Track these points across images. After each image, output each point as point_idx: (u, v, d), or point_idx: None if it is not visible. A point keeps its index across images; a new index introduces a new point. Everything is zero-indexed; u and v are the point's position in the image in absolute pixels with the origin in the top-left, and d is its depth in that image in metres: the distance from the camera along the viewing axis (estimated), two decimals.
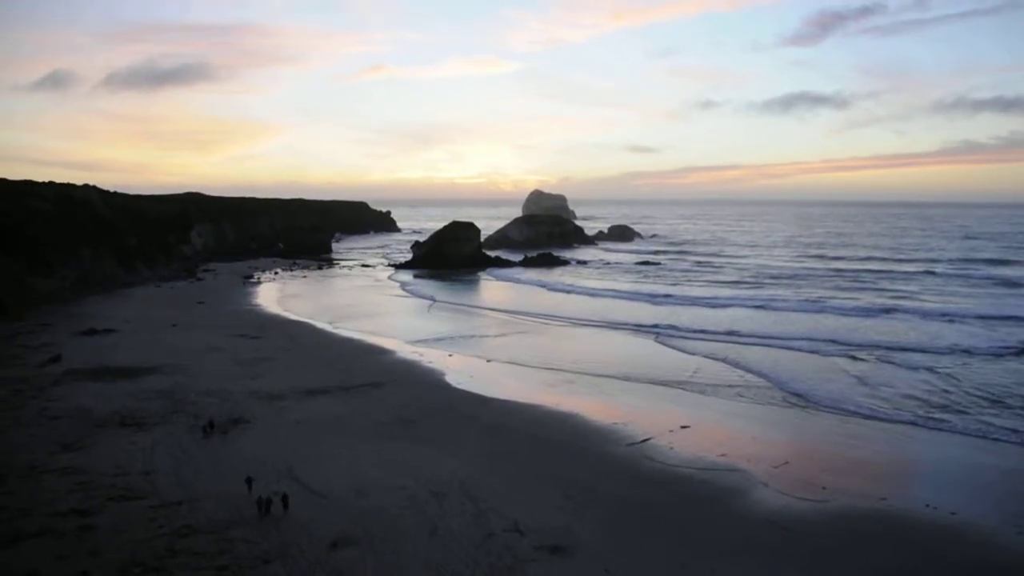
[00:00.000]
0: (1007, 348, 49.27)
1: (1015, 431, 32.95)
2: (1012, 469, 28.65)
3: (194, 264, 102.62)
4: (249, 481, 24.40)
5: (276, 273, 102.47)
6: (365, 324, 61.08)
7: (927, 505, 24.80)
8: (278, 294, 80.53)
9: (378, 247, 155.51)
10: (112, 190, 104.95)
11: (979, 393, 39.09)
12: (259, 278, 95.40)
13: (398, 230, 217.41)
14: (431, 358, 47.33)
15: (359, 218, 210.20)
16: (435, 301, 76.64)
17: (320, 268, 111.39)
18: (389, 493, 24.77)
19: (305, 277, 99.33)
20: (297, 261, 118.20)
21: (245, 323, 59.70)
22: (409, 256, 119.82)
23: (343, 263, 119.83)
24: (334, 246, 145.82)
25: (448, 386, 40.70)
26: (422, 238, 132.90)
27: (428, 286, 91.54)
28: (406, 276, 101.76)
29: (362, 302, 75.25)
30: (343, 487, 25.25)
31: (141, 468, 26.88)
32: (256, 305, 71.47)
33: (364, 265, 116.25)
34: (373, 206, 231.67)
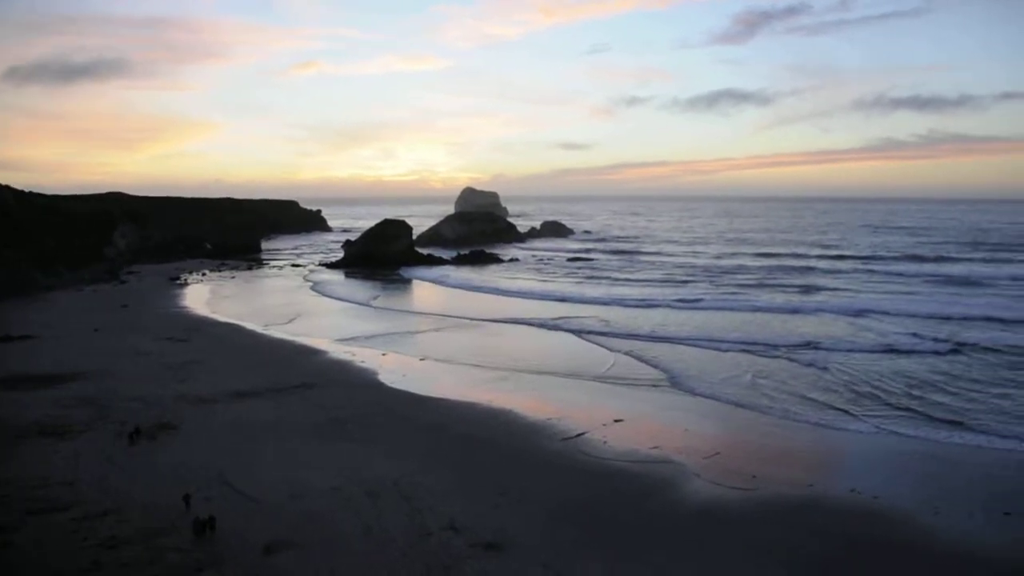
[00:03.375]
0: (934, 345, 50.22)
1: (930, 418, 34.24)
2: (928, 454, 29.73)
3: (118, 266, 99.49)
4: (187, 498, 23.41)
5: (204, 274, 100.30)
6: (296, 325, 60.29)
7: (852, 490, 25.62)
8: (206, 296, 78.81)
9: (309, 246, 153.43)
10: (28, 190, 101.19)
11: (896, 389, 40.23)
12: (186, 280, 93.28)
13: (329, 229, 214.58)
14: (364, 357, 46.95)
15: (289, 217, 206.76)
16: (367, 300, 76.03)
17: (250, 268, 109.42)
18: (323, 495, 24.51)
19: (234, 278, 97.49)
20: (226, 262, 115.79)
21: (172, 326, 58.32)
22: (340, 255, 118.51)
23: (273, 263, 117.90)
24: (264, 246, 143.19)
25: (382, 385, 40.43)
26: (353, 237, 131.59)
27: (360, 285, 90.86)
28: (337, 275, 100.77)
29: (293, 302, 74.16)
30: (276, 490, 24.87)
31: (63, 479, 25.92)
32: (183, 307, 69.86)
33: (295, 265, 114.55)
34: (304, 205, 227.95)
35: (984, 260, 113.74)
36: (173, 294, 79.66)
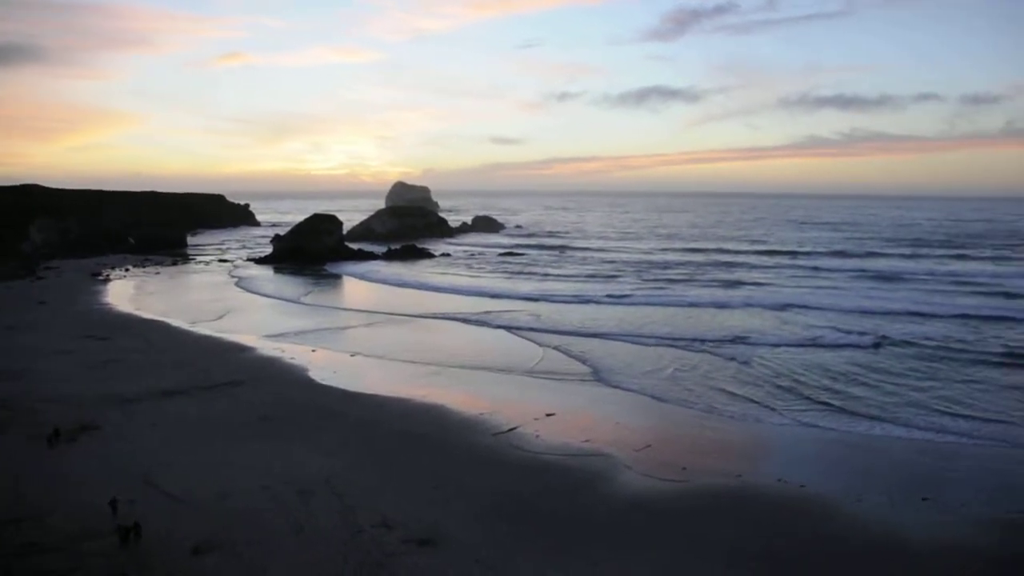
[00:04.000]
0: (855, 339, 51.35)
1: (849, 411, 35.24)
2: (850, 445, 30.72)
3: (34, 262, 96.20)
4: (113, 503, 22.61)
5: (127, 270, 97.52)
6: (224, 321, 59.10)
7: (779, 480, 26.27)
8: (130, 292, 76.60)
9: (236, 241, 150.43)
10: None
11: (817, 382, 41.34)
12: (108, 276, 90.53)
13: (257, 224, 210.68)
14: (294, 354, 46.25)
15: (216, 211, 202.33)
16: (297, 296, 74.93)
17: (175, 264, 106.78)
18: (253, 494, 24.09)
19: (159, 274, 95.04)
20: (150, 257, 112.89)
21: (93, 323, 56.60)
22: (269, 250, 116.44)
23: (200, 258, 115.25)
24: (190, 241, 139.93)
25: (312, 382, 39.90)
26: (282, 231, 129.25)
27: (289, 280, 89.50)
28: (266, 271, 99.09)
29: (221, 298, 72.60)
30: (204, 491, 24.35)
31: None
32: (106, 304, 67.79)
33: (222, 260, 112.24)
34: (231, 199, 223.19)
35: (904, 256, 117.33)
36: (94, 290, 77.22)
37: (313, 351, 47.46)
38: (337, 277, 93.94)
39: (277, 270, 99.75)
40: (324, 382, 39.70)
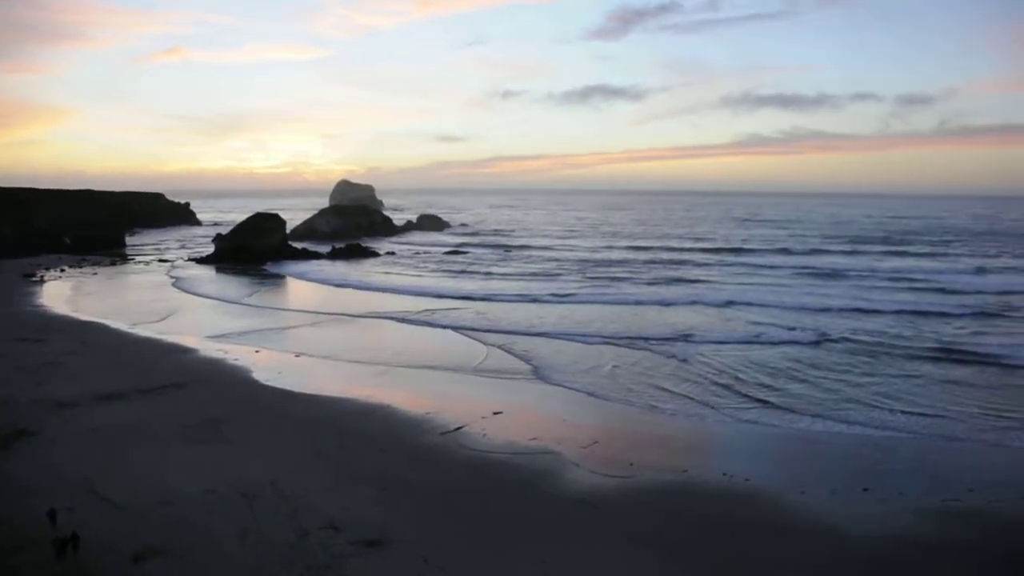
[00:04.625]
0: (797, 335, 52.20)
1: (792, 410, 35.85)
2: (793, 439, 31.40)
3: None
4: (52, 514, 21.73)
5: (63, 271, 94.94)
6: (165, 322, 57.90)
7: (724, 474, 26.71)
8: (66, 293, 74.52)
9: (177, 241, 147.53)
10: None
11: (756, 379, 42.07)
12: (43, 276, 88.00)
13: (198, 223, 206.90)
14: (237, 355, 45.54)
15: (156, 210, 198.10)
16: (239, 296, 73.74)
17: (113, 264, 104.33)
18: (196, 499, 23.66)
19: (96, 274, 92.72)
20: (87, 257, 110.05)
21: (27, 325, 54.98)
22: (211, 249, 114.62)
23: (139, 258, 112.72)
24: (129, 241, 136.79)
25: (256, 383, 39.33)
26: (224, 231, 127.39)
27: (232, 280, 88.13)
28: (208, 271, 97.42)
29: (161, 299, 71.12)
30: (146, 496, 23.84)
31: None
32: (40, 306, 65.91)
33: (162, 260, 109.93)
34: (171, 197, 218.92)
35: (844, 252, 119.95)
36: (28, 292, 75.02)
37: (257, 352, 46.80)
38: (281, 277, 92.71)
39: (219, 270, 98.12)
40: (268, 383, 39.16)
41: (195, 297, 73.42)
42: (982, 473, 27.09)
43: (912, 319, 58.64)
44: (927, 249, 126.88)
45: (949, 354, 45.81)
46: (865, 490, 25.31)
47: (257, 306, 67.58)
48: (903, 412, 34.30)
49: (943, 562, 20.42)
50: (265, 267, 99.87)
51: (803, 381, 40.15)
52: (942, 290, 75.68)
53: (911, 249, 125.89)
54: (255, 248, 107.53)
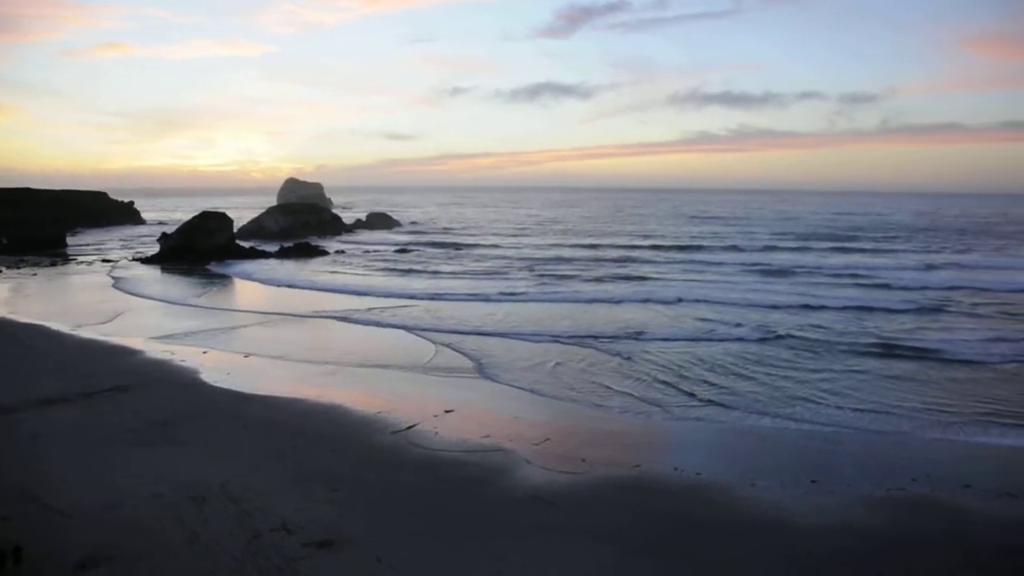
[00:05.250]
0: (745, 332, 52.60)
1: (738, 407, 36.49)
2: (744, 433, 31.93)
3: None
4: None
5: (0, 272, 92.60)
6: (109, 324, 56.55)
7: (675, 468, 27.03)
8: (3, 295, 72.39)
9: (121, 240, 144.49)
10: None
11: (702, 376, 42.69)
12: None
13: (143, 222, 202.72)
14: (184, 356, 44.75)
15: (98, 209, 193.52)
16: (186, 296, 72.50)
17: (54, 265, 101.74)
18: (144, 503, 23.20)
19: (36, 275, 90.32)
20: (25, 258, 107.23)
21: None
22: (156, 249, 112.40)
23: (81, 259, 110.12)
24: (70, 240, 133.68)
25: (204, 384, 38.70)
26: (169, 230, 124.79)
27: (178, 280, 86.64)
28: (153, 270, 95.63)
29: (105, 300, 69.55)
30: (91, 502, 23.30)
31: None
32: None
33: (105, 260, 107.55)
34: (114, 196, 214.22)
35: (791, 249, 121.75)
36: None
37: (205, 353, 46.06)
38: (228, 276, 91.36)
39: (165, 270, 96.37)
40: (217, 384, 38.58)
41: (140, 298, 71.94)
42: (925, 464, 27.84)
43: (857, 315, 59.77)
44: (872, 245, 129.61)
45: (892, 350, 46.71)
46: (813, 482, 25.87)
47: (204, 306, 66.47)
48: (850, 408, 34.89)
49: (887, 547, 20.99)
50: (212, 267, 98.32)
51: (750, 378, 40.59)
52: (887, 286, 77.28)
53: (856, 245, 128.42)
54: (201, 247, 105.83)
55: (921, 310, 62.16)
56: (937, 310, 62.34)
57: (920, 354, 45.51)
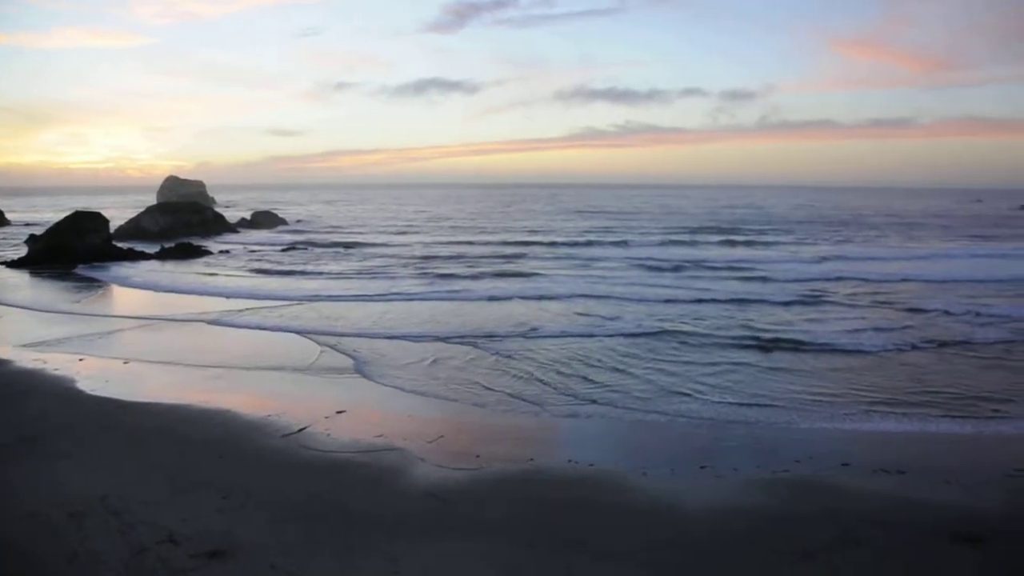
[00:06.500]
0: (632, 328, 53.00)
1: (627, 404, 37.38)
2: (634, 424, 32.71)
3: None
4: None
5: None
6: None
7: (569, 461, 27.46)
8: None
9: None
10: None
11: (582, 372, 43.72)
12: None
13: (7, 223, 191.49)
14: (58, 364, 42.55)
15: None
16: (59, 301, 69.00)
17: None
18: (17, 523, 21.92)
19: None
20: None
21: None
22: (24, 252, 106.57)
23: None
24: None
25: (81, 393, 36.88)
26: (39, 231, 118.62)
27: (49, 285, 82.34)
28: (21, 275, 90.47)
29: None
30: None
31: None
32: None
33: None
34: None
35: (679, 243, 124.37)
36: None
37: (81, 360, 43.92)
38: (105, 279, 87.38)
39: (34, 274, 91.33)
40: (95, 392, 36.83)
41: (5, 305, 67.97)
42: (807, 447, 29.13)
43: (741, 307, 61.51)
44: (755, 237, 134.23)
45: (775, 342, 48.03)
46: (702, 468, 26.73)
47: (79, 312, 63.37)
48: (734, 400, 35.87)
49: (773, 525, 21.85)
50: (87, 269, 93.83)
51: (637, 374, 41.06)
52: (769, 278, 79.83)
53: (740, 238, 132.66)
54: (75, 249, 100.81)
55: (802, 302, 64.41)
56: (817, 301, 64.75)
57: (800, 346, 47.08)
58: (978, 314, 57.07)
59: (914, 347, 46.68)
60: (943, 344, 47.41)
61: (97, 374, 40.61)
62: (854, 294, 69.28)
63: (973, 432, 31.40)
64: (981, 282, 75.81)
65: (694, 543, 20.96)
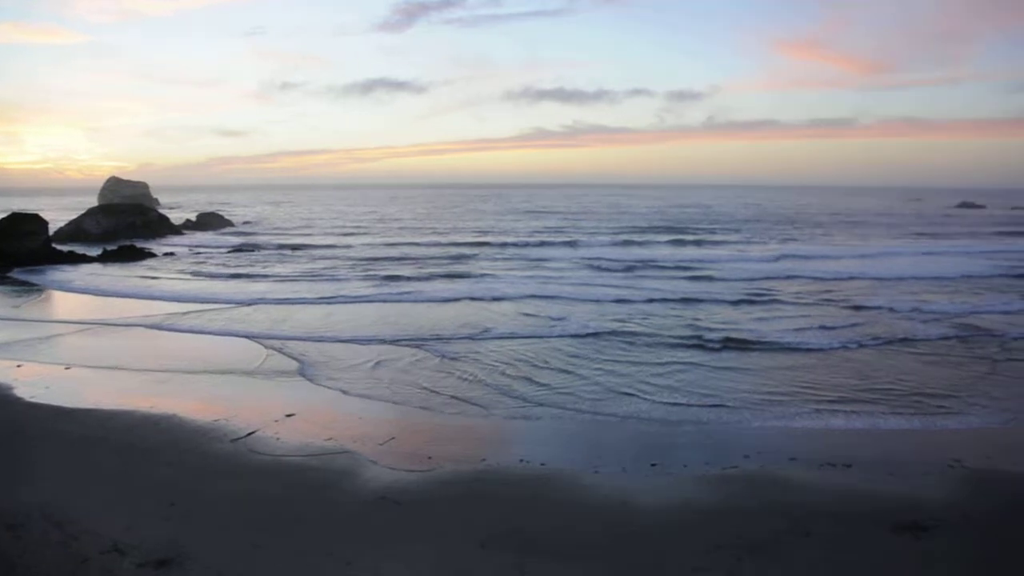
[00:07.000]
0: (580, 329, 52.98)
1: (576, 406, 37.56)
2: (585, 424, 32.89)
3: None
4: None
5: None
6: None
7: (521, 460, 27.48)
8: None
9: None
10: None
11: (527, 373, 43.70)
12: None
13: None
14: None
15: None
16: None
17: None
18: None
19: None
20: None
21: None
22: None
23: None
24: None
25: (19, 401, 35.81)
26: None
27: None
28: None
29: None
30: None
31: None
32: None
33: None
34: None
35: (629, 243, 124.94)
36: None
37: (19, 366, 42.66)
38: (44, 283, 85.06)
39: None
40: (34, 400, 35.78)
41: None
42: (756, 443, 29.59)
43: (690, 307, 61.93)
44: (703, 236, 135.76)
45: (728, 342, 48.17)
46: (653, 465, 26.98)
47: (17, 317, 61.61)
48: (684, 399, 36.03)
49: (722, 519, 22.11)
50: (24, 273, 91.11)
51: (585, 375, 40.91)
52: (719, 277, 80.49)
53: (689, 237, 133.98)
54: (12, 252, 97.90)
55: (750, 300, 65.04)
56: (765, 300, 65.45)
57: (748, 344, 47.52)
58: (921, 311, 58.44)
59: (860, 344, 47.52)
60: (888, 341, 48.44)
61: (36, 380, 39.50)
62: (801, 292, 70.28)
63: (918, 427, 32.17)
64: (923, 279, 77.98)
65: (647, 539, 21.12)
